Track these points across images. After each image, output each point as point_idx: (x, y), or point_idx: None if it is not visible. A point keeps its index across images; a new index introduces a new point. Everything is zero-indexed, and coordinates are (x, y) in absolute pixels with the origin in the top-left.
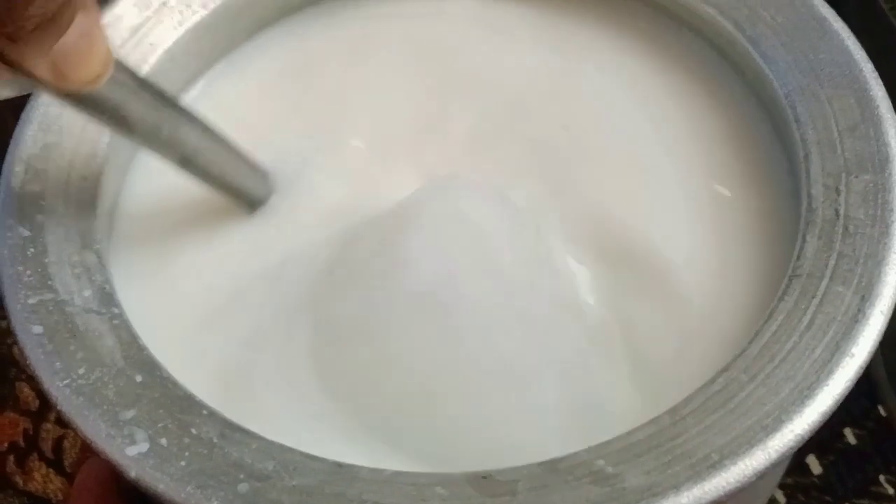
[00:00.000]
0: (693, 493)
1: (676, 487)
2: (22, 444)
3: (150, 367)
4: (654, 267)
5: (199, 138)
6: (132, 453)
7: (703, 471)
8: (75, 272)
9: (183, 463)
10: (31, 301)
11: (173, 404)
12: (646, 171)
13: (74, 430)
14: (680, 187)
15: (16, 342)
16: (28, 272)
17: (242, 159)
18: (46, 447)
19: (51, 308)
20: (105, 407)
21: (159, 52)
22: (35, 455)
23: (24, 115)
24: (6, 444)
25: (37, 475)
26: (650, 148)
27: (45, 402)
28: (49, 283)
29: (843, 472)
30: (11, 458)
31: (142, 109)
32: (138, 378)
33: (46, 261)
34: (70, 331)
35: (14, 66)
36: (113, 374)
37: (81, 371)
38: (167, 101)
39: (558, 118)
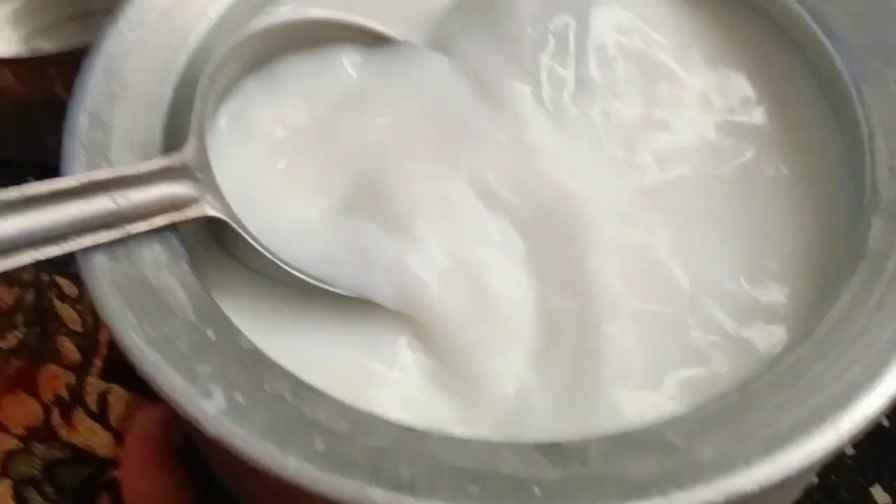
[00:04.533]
0: (765, 469)
1: (748, 462)
2: (66, 397)
3: (222, 322)
4: None
5: None
6: (209, 409)
7: (775, 447)
8: None
9: (259, 419)
10: (102, 253)
11: (245, 360)
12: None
13: (149, 384)
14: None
15: (56, 292)
16: None
17: None
18: (91, 401)
19: (121, 260)
20: (179, 361)
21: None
22: (80, 409)
23: (86, 62)
24: (51, 398)
25: (81, 428)
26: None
27: (87, 358)
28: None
29: (877, 454)
30: (56, 410)
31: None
32: (210, 333)
33: None
34: (141, 283)
35: None
36: (186, 328)
37: (154, 324)
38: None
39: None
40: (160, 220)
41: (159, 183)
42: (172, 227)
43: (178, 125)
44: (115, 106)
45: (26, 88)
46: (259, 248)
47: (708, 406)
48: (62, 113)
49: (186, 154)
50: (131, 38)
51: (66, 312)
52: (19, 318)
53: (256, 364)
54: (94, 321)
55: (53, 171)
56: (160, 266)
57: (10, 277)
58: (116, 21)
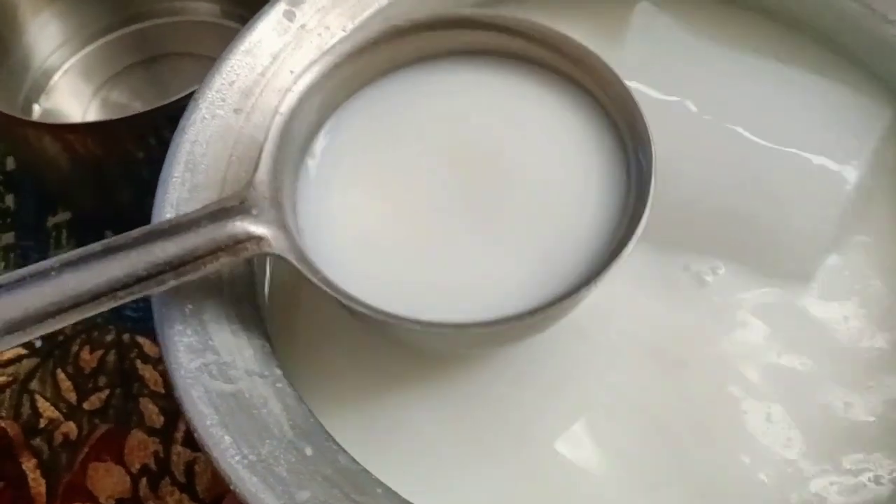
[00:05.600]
0: None
1: None
2: (154, 467)
3: (320, 437)
4: None
5: None
6: None
7: None
8: (233, 328)
9: None
10: (193, 366)
11: (346, 482)
12: None
13: None
14: None
15: (138, 352)
16: (188, 331)
17: None
18: (178, 471)
19: (214, 372)
20: (280, 488)
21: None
22: (167, 479)
23: (169, 155)
24: (138, 466)
25: (170, 500)
26: None
27: (171, 420)
28: (210, 342)
29: None
30: (144, 480)
31: None
32: (308, 451)
33: (204, 318)
34: (235, 398)
35: None
36: (283, 447)
37: (251, 445)
38: None
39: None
40: (212, 265)
41: (210, 225)
42: (264, 333)
43: None
44: (198, 197)
45: (101, 150)
46: (315, 281)
47: None
48: (133, 169)
49: (247, 190)
50: (214, 124)
51: (149, 373)
52: (102, 380)
53: (358, 486)
54: None
55: (129, 224)
56: (252, 374)
57: (91, 340)
58: (198, 106)
